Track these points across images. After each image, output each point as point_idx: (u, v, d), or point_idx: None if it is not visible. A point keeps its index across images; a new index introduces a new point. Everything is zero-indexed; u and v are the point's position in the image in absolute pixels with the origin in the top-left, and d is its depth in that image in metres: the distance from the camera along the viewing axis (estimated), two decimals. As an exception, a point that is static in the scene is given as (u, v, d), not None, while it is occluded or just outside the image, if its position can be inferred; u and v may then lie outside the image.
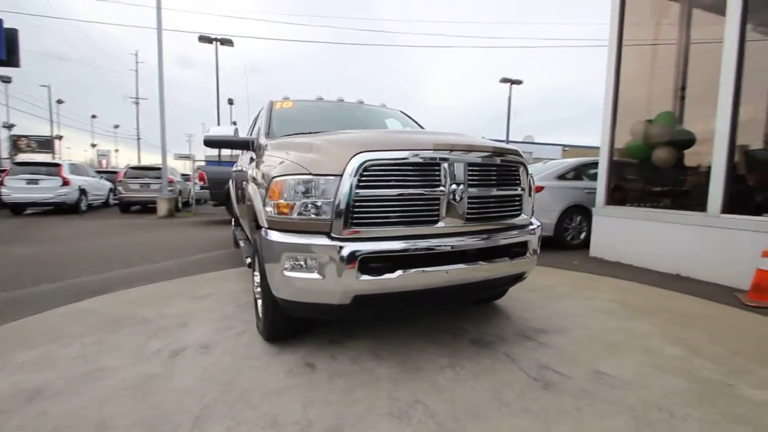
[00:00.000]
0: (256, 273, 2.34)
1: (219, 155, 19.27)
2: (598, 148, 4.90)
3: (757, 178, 3.84)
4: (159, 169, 11.05)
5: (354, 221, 1.72)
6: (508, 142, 23.37)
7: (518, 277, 2.22)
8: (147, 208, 11.58)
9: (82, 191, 10.09)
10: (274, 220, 1.86)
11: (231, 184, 5.07)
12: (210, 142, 2.92)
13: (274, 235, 1.81)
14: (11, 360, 2.02)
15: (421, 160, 1.79)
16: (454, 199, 1.85)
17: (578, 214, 5.41)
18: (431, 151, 1.81)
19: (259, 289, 2.30)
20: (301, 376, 1.85)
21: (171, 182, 10.86)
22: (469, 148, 1.91)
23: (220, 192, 8.32)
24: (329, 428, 1.47)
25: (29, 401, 1.64)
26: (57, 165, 9.63)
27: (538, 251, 2.23)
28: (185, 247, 5.40)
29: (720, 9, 3.81)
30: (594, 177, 5.51)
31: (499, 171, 2.05)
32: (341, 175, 1.70)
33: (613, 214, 4.61)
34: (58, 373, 1.86)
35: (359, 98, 3.74)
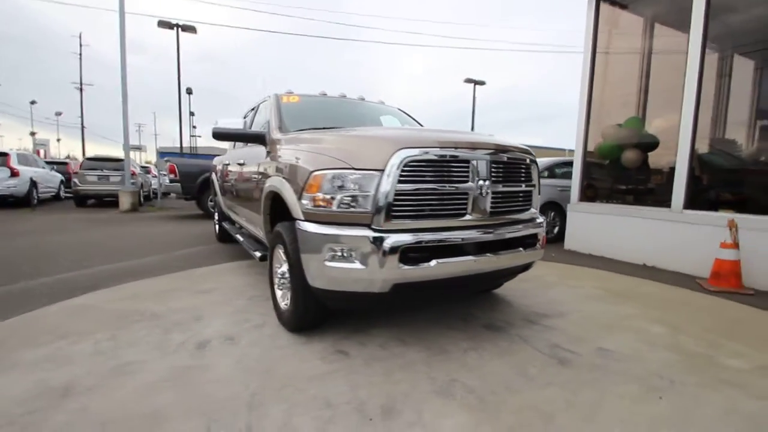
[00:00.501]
0: (278, 264, 2.36)
1: (181, 147, 18.35)
2: (556, 149, 5.30)
3: (708, 178, 4.35)
4: (118, 160, 10.41)
5: (394, 214, 1.81)
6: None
7: (527, 266, 2.42)
8: (104, 202, 10.87)
9: (33, 183, 9.28)
10: (311, 213, 1.91)
11: (215, 177, 4.93)
12: (219, 135, 2.87)
13: (314, 227, 1.86)
14: (20, 358, 1.92)
15: (454, 158, 1.92)
16: (481, 194, 1.99)
17: (552, 210, 5.80)
18: (465, 150, 1.94)
19: (282, 281, 2.33)
20: (337, 362, 1.92)
21: (134, 174, 10.26)
22: (497, 148, 2.06)
23: (192, 186, 8.01)
24: (382, 406, 1.56)
25: (63, 397, 1.59)
26: (4, 155, 8.78)
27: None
28: (164, 243, 5.18)
29: (678, 24, 4.25)
30: (564, 176, 5.95)
31: (517, 168, 2.22)
32: (383, 170, 1.79)
33: (586, 210, 5.00)
34: (81, 370, 1.81)
35: (360, 95, 3.80)
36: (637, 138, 4.75)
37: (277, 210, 2.52)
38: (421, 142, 1.89)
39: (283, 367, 1.86)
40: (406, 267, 1.80)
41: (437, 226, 1.93)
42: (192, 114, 35.03)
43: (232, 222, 4.36)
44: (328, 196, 1.85)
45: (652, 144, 4.65)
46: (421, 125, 3.64)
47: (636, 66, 5.08)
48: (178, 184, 7.99)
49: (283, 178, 2.19)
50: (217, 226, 5.20)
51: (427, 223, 1.90)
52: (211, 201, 8.11)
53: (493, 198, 2.06)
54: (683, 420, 1.53)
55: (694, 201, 3.94)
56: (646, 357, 2.05)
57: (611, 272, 3.93)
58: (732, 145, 4.83)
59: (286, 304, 2.26)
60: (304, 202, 1.94)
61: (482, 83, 27.23)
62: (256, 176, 2.83)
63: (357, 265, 1.79)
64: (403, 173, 1.80)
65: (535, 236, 2.31)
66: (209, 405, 1.55)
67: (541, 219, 2.46)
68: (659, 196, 4.36)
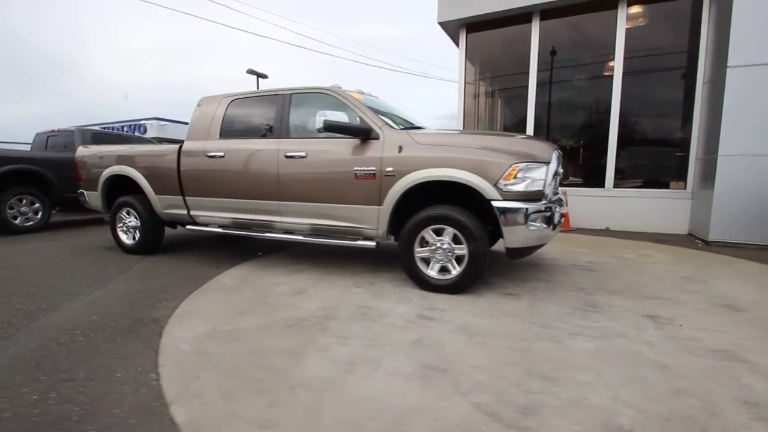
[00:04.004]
0: (442, 238, 2.79)
1: None
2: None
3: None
4: None
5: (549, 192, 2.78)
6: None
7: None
8: None
9: None
10: (509, 193, 2.61)
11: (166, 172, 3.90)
12: (331, 127, 2.83)
13: (519, 204, 2.59)
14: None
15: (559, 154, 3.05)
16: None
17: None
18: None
19: (438, 255, 2.81)
20: (514, 300, 2.75)
21: None
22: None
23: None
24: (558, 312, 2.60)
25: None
26: None
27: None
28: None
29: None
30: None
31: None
32: (549, 162, 2.72)
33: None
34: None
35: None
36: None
37: (405, 200, 2.90)
38: (553, 145, 2.92)
39: (494, 319, 2.54)
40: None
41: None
42: None
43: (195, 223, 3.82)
44: (522, 181, 2.62)
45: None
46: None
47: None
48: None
49: (465, 169, 2.67)
50: (133, 234, 4.09)
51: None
52: (55, 206, 5.73)
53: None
54: (658, 277, 3.32)
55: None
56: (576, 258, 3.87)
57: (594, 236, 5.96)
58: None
59: (438, 273, 2.83)
60: (501, 185, 2.60)
61: (265, 76, 27.13)
62: (364, 170, 2.96)
63: (545, 226, 2.68)
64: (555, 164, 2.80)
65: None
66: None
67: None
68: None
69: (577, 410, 1.49)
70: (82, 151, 4.50)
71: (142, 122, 23.60)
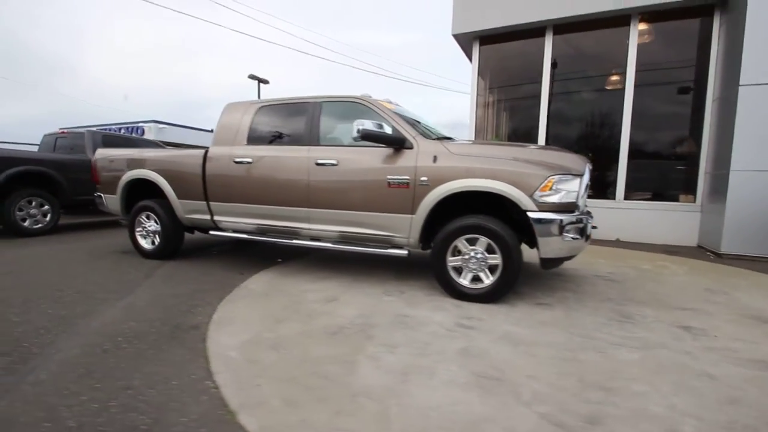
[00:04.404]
0: (475, 248, 2.82)
1: None
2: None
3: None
4: None
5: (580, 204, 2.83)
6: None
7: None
8: None
9: None
10: (544, 204, 2.65)
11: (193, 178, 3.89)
12: (368, 136, 2.86)
13: (554, 216, 2.63)
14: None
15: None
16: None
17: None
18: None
19: (471, 264, 2.84)
20: (548, 310, 2.78)
21: None
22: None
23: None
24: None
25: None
26: None
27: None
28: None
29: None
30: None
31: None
32: (582, 175, 2.77)
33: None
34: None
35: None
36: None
37: (438, 210, 2.93)
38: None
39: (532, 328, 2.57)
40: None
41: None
42: None
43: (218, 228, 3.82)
44: (556, 192, 2.66)
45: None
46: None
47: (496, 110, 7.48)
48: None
49: (501, 180, 2.71)
50: (153, 239, 4.07)
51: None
52: (63, 209, 5.70)
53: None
54: (680, 288, 3.38)
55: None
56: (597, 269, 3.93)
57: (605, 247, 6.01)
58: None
59: (470, 282, 2.87)
60: (537, 196, 2.65)
61: (266, 81, 27.21)
62: (398, 179, 2.99)
63: (579, 237, 2.72)
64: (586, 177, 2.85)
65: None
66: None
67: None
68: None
69: (639, 420, 1.52)
70: (102, 154, 4.47)
71: (139, 124, 23.45)
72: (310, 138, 3.39)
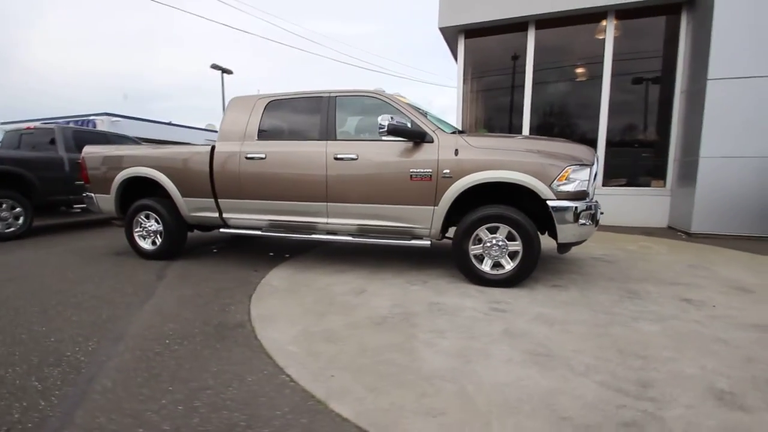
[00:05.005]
0: (496, 236, 2.98)
1: None
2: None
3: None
4: None
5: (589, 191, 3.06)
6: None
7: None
8: None
9: None
10: (561, 193, 2.85)
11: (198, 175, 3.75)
12: (395, 131, 2.91)
13: (570, 203, 2.84)
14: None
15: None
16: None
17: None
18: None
19: (492, 252, 3.00)
20: (564, 291, 3.01)
21: None
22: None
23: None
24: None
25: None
26: None
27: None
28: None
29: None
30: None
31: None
32: (592, 164, 2.99)
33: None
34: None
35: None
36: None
37: (460, 200, 3.07)
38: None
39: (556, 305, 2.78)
40: (596, 222, 3.12)
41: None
42: None
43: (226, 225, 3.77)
44: (571, 182, 2.87)
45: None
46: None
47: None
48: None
49: (522, 171, 2.87)
50: (153, 239, 3.94)
51: (585, 196, 3.26)
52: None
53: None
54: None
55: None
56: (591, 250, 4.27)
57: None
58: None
59: (491, 269, 3.04)
60: (555, 185, 2.84)
61: (230, 72, 26.12)
62: (421, 171, 3.08)
63: (590, 223, 2.95)
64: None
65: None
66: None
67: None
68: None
69: (681, 380, 1.73)
70: (92, 151, 4.20)
71: (90, 118, 21.98)
72: (327, 132, 3.39)
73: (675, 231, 5.65)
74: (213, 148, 3.69)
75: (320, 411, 1.53)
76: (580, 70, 6.50)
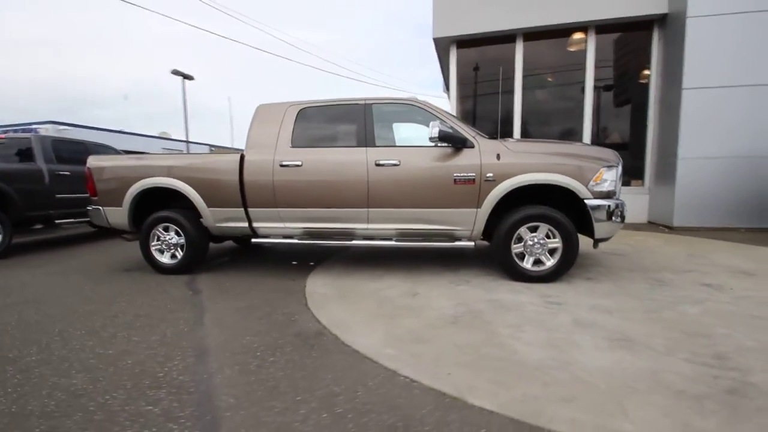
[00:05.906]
0: (536, 234, 3.17)
1: None
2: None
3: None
4: None
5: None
6: (188, 141, 22.73)
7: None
8: None
9: None
10: (596, 192, 3.09)
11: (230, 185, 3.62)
12: (445, 137, 3.02)
13: (605, 202, 3.09)
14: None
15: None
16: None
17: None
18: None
19: (534, 249, 3.19)
20: (599, 285, 3.26)
21: None
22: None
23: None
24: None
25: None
26: None
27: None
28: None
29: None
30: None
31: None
32: (618, 165, 3.28)
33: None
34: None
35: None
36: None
37: (501, 203, 3.24)
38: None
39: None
40: (620, 219, 3.41)
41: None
42: None
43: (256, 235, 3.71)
44: (605, 182, 3.13)
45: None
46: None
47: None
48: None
49: (562, 173, 3.08)
50: (173, 253, 3.77)
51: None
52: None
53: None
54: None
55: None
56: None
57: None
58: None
59: (532, 265, 3.24)
60: (591, 185, 3.08)
61: (191, 78, 25.00)
62: (464, 176, 3.21)
63: (619, 219, 3.22)
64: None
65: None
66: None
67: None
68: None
69: (746, 352, 1.97)
70: (99, 162, 3.92)
71: (33, 126, 20.33)
72: (366, 139, 3.43)
73: (656, 225, 6.23)
74: (242, 156, 3.60)
75: (460, 407, 1.58)
76: (566, 77, 6.99)
